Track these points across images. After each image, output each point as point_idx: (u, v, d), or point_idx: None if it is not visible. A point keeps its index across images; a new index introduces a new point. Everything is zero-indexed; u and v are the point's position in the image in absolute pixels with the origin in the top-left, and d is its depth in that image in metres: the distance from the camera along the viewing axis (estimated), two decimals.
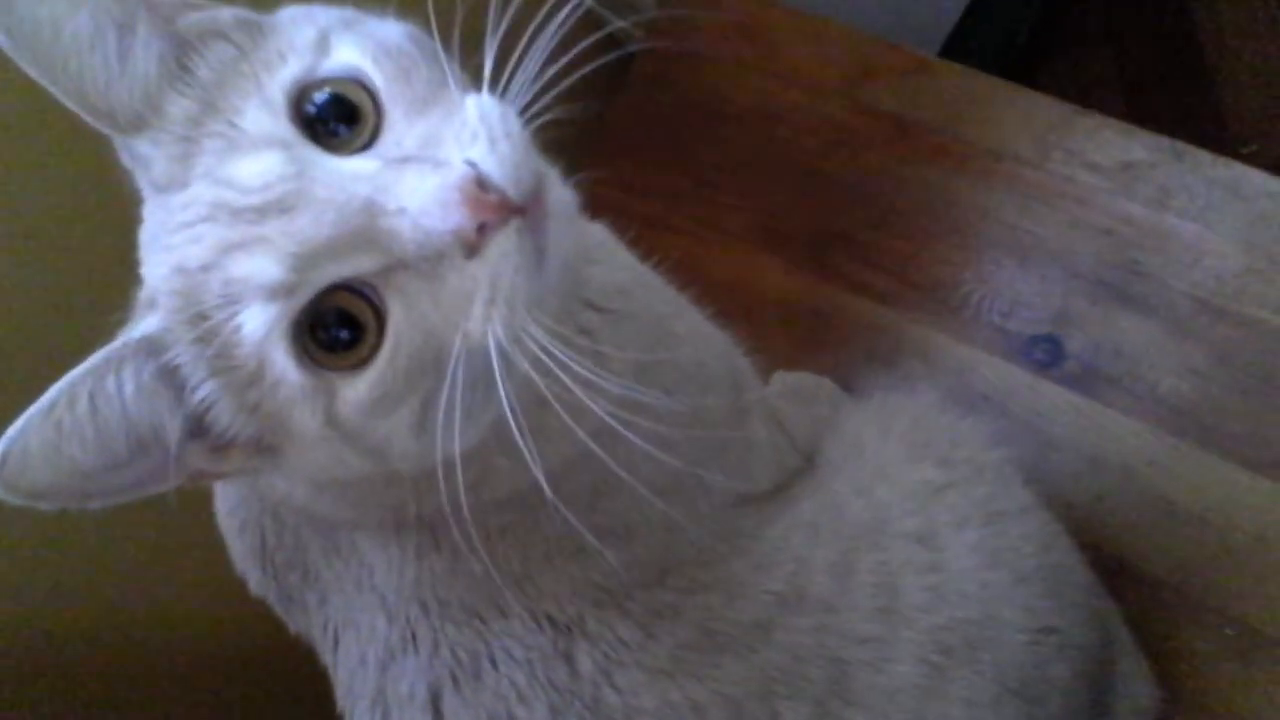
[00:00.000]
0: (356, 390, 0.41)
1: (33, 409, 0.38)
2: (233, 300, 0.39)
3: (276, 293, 0.39)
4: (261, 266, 0.39)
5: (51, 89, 0.41)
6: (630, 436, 0.46)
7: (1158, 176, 0.86)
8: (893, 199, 0.94)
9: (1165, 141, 0.86)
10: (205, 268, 0.40)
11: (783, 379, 0.87)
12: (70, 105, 0.41)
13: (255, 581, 0.59)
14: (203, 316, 0.40)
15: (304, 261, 0.39)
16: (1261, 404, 0.79)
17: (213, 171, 0.40)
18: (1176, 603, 0.78)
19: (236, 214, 0.39)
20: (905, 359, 0.89)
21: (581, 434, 0.45)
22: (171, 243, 0.40)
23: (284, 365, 0.40)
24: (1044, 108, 0.91)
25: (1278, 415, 0.79)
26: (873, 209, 0.95)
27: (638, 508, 0.55)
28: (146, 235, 0.43)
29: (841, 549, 0.62)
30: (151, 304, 0.41)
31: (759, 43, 1.03)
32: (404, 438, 0.43)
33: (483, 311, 0.41)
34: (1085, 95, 1.34)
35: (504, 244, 0.40)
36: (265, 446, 0.43)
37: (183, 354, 0.41)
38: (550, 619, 0.55)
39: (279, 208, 0.39)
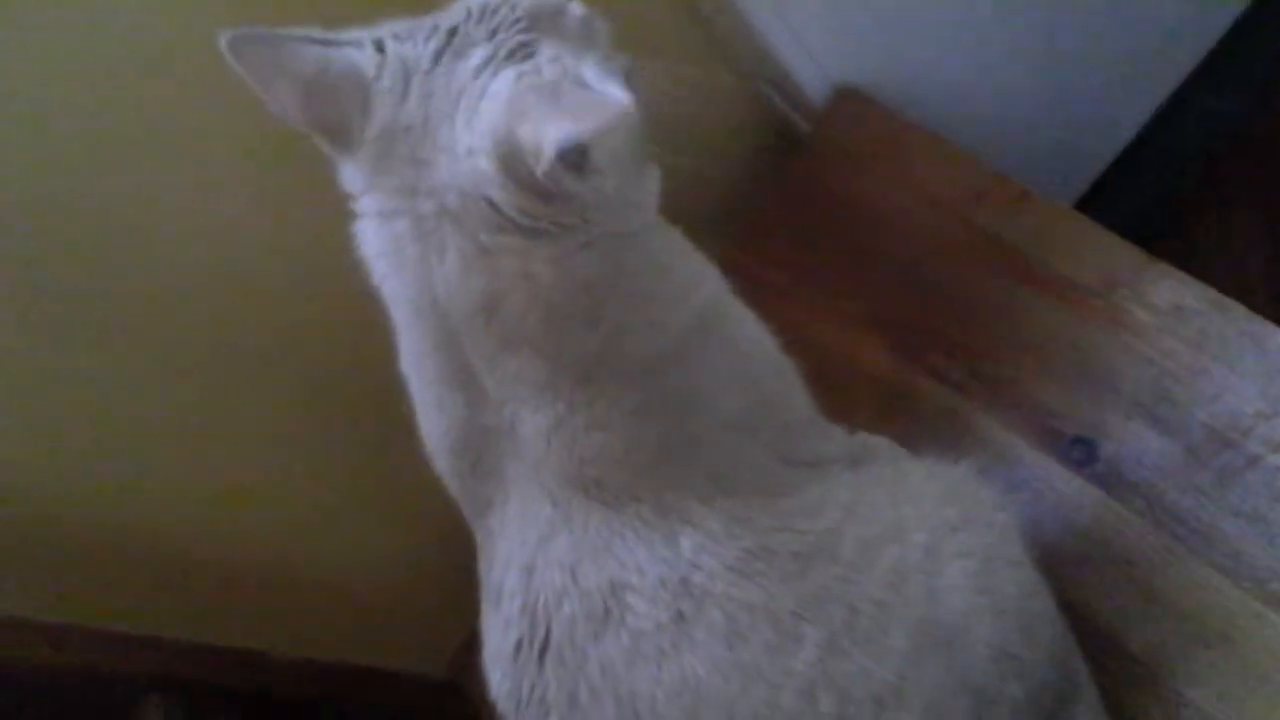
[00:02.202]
0: None
1: None
2: None
3: None
4: None
5: None
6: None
7: (1200, 322, 1.02)
8: (980, 305, 1.13)
9: (1213, 293, 1.02)
10: None
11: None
12: None
13: (467, 493, 0.80)
14: None
15: None
16: (1247, 526, 0.94)
17: None
18: (1145, 677, 0.94)
19: None
20: (964, 439, 1.07)
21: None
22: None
23: None
24: (1120, 250, 1.08)
25: (1258, 538, 0.93)
26: (963, 310, 1.14)
27: (718, 428, 0.76)
28: None
29: (868, 532, 0.77)
30: None
31: (895, 155, 1.22)
32: None
33: None
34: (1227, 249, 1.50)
35: None
36: None
37: None
38: (665, 506, 0.74)
39: None
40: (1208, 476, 0.97)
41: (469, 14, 0.70)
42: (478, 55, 0.68)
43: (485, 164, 0.66)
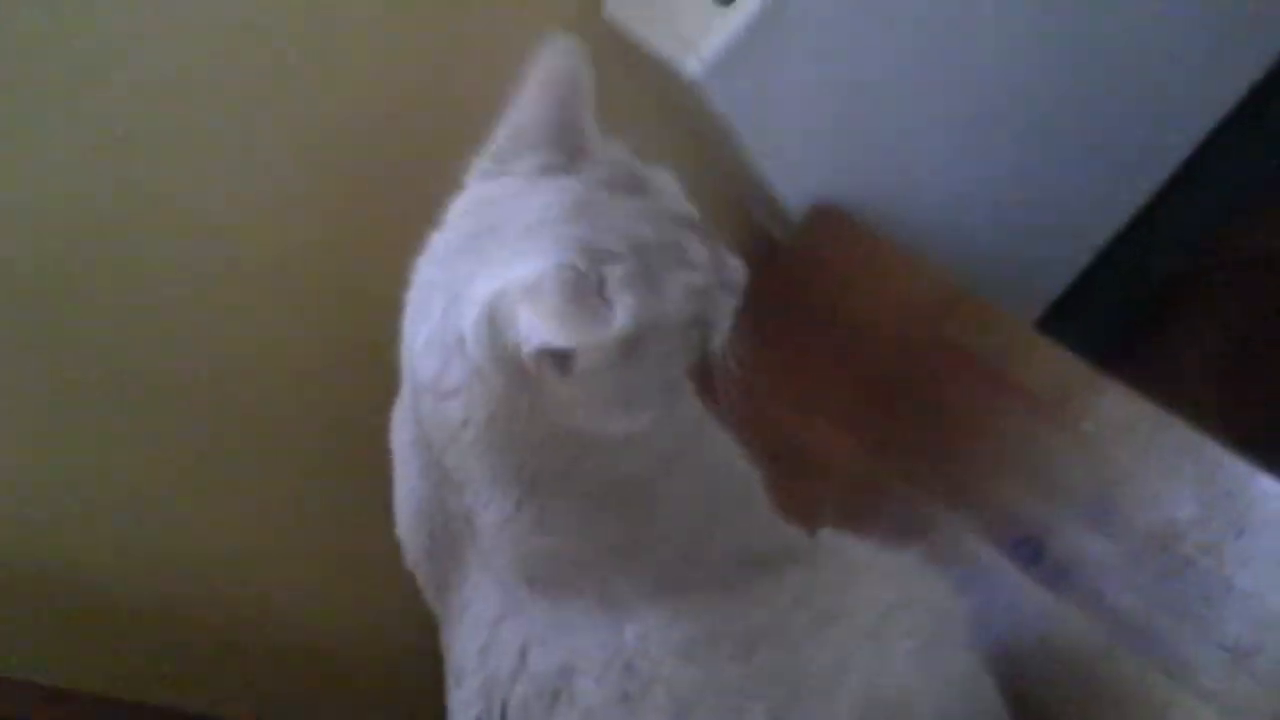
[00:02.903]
0: None
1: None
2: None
3: None
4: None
5: None
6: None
7: (1144, 434, 1.10)
8: (945, 410, 1.21)
9: (1152, 408, 1.10)
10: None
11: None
12: None
13: (423, 567, 0.83)
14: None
15: None
16: (1182, 625, 1.01)
17: None
18: None
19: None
20: (924, 534, 1.14)
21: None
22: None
23: None
24: (1073, 366, 1.16)
25: (1193, 635, 1.00)
26: (929, 414, 1.22)
27: (676, 535, 0.81)
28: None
29: (813, 615, 0.82)
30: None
31: (869, 269, 1.32)
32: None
33: None
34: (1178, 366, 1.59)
35: None
36: None
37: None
38: (609, 599, 0.77)
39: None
40: (1146, 577, 1.04)
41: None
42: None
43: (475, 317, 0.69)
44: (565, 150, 0.75)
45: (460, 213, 0.77)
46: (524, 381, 0.69)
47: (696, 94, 1.24)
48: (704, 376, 0.80)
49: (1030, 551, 1.10)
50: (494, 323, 0.67)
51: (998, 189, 1.48)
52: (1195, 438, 1.08)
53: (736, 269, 0.78)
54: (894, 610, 0.86)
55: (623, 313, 0.67)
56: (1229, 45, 1.55)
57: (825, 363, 1.30)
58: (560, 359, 0.67)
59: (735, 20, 1.21)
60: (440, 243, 0.77)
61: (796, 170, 1.37)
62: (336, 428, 1.21)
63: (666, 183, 0.78)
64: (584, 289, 0.67)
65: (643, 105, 1.40)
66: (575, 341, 0.65)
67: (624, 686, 0.76)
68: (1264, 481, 1.04)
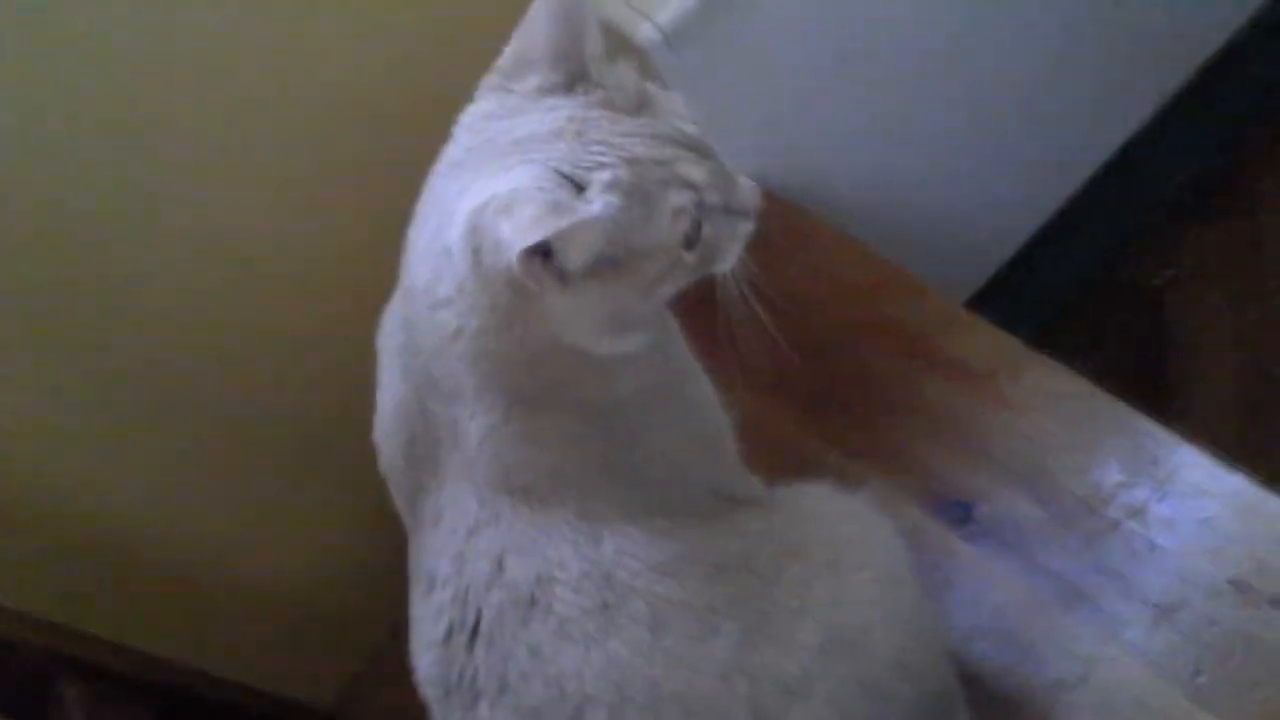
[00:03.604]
0: None
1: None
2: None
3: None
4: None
5: None
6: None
7: (1072, 404, 1.14)
8: (879, 381, 1.24)
9: (1080, 381, 1.14)
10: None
11: None
12: None
13: (399, 472, 0.84)
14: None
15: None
16: (1108, 581, 1.04)
17: None
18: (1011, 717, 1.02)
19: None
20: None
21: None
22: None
23: None
24: (1003, 340, 1.21)
25: (1117, 592, 1.03)
26: (863, 385, 1.24)
27: (657, 461, 0.83)
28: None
29: (777, 549, 0.84)
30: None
31: (806, 248, 1.34)
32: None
33: None
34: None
35: None
36: None
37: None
38: (589, 513, 0.78)
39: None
40: (1074, 539, 1.07)
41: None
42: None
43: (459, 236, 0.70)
44: (566, 73, 0.76)
45: (464, 127, 0.78)
46: (515, 295, 0.70)
47: (644, 63, 1.25)
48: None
49: (960, 514, 1.12)
50: (476, 236, 0.68)
51: (927, 179, 1.53)
52: (1121, 408, 1.12)
53: (745, 192, 0.79)
54: (849, 544, 0.89)
55: (602, 201, 0.68)
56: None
57: (764, 335, 1.31)
58: (551, 268, 0.68)
59: None
60: (444, 155, 0.78)
61: (737, 149, 1.38)
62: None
63: (673, 105, 0.79)
64: (562, 194, 0.68)
65: None
66: (551, 231, 0.65)
67: (603, 596, 0.77)
68: (1185, 450, 1.08)
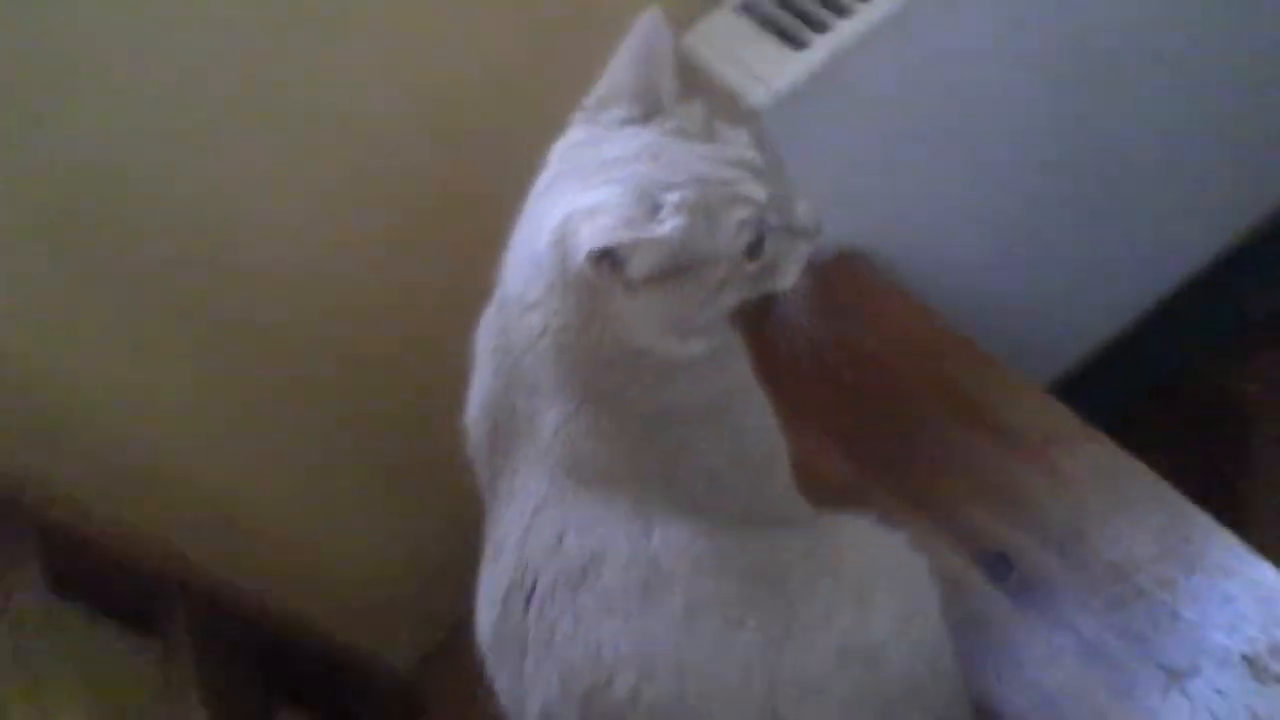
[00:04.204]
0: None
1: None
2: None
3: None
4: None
5: None
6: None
7: (1116, 480, 1.20)
8: (933, 438, 1.32)
9: (1130, 459, 1.20)
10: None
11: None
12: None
13: (483, 453, 0.94)
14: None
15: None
16: (1131, 645, 1.10)
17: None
18: None
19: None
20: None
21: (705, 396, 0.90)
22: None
23: None
24: (1061, 414, 1.28)
25: (1139, 656, 1.09)
26: (917, 439, 1.33)
27: (700, 477, 0.91)
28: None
29: (811, 566, 0.92)
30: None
31: (879, 308, 1.45)
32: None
33: None
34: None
35: None
36: None
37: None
38: (642, 507, 0.87)
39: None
40: (1102, 601, 1.13)
41: None
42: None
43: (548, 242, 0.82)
44: (645, 106, 0.89)
45: (557, 155, 0.91)
46: (591, 297, 0.82)
47: (753, 125, 1.37)
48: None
49: (1000, 568, 1.19)
50: (562, 242, 0.79)
51: (1012, 265, 1.61)
52: (1165, 489, 1.18)
53: (806, 213, 0.89)
54: (883, 572, 0.97)
55: (671, 223, 0.78)
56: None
57: (826, 384, 1.39)
58: (619, 273, 0.79)
59: (803, 65, 1.36)
60: (539, 179, 0.91)
61: (831, 213, 1.49)
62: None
63: (738, 136, 0.90)
64: (638, 210, 0.78)
65: None
66: (620, 240, 0.76)
67: (646, 577, 0.86)
68: (1221, 534, 1.14)
